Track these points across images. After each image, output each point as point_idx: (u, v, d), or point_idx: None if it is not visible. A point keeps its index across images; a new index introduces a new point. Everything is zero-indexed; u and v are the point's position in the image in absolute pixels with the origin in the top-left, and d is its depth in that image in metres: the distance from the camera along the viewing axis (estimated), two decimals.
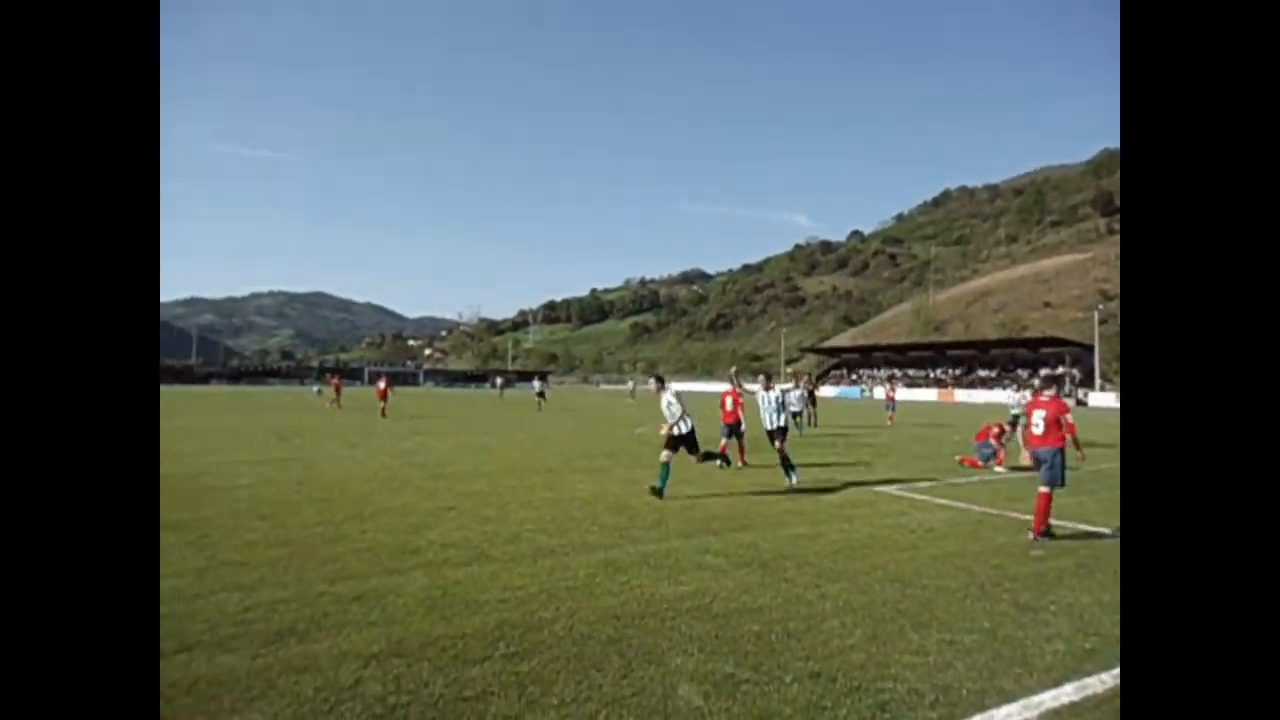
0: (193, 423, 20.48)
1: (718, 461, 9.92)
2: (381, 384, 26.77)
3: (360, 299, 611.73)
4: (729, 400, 11.81)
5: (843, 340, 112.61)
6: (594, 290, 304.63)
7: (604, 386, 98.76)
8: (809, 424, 20.42)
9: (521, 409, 31.51)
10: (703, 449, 9.09)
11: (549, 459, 12.59)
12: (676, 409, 8.82)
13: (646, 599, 4.63)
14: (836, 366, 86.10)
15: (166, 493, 8.44)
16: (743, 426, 11.70)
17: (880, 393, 48.57)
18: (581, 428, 20.84)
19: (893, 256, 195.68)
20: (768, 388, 10.52)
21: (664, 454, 8.69)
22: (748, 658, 3.70)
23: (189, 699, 3.14)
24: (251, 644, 3.77)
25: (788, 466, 9.69)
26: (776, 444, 9.99)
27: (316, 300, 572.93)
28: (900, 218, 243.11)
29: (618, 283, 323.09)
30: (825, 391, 56.68)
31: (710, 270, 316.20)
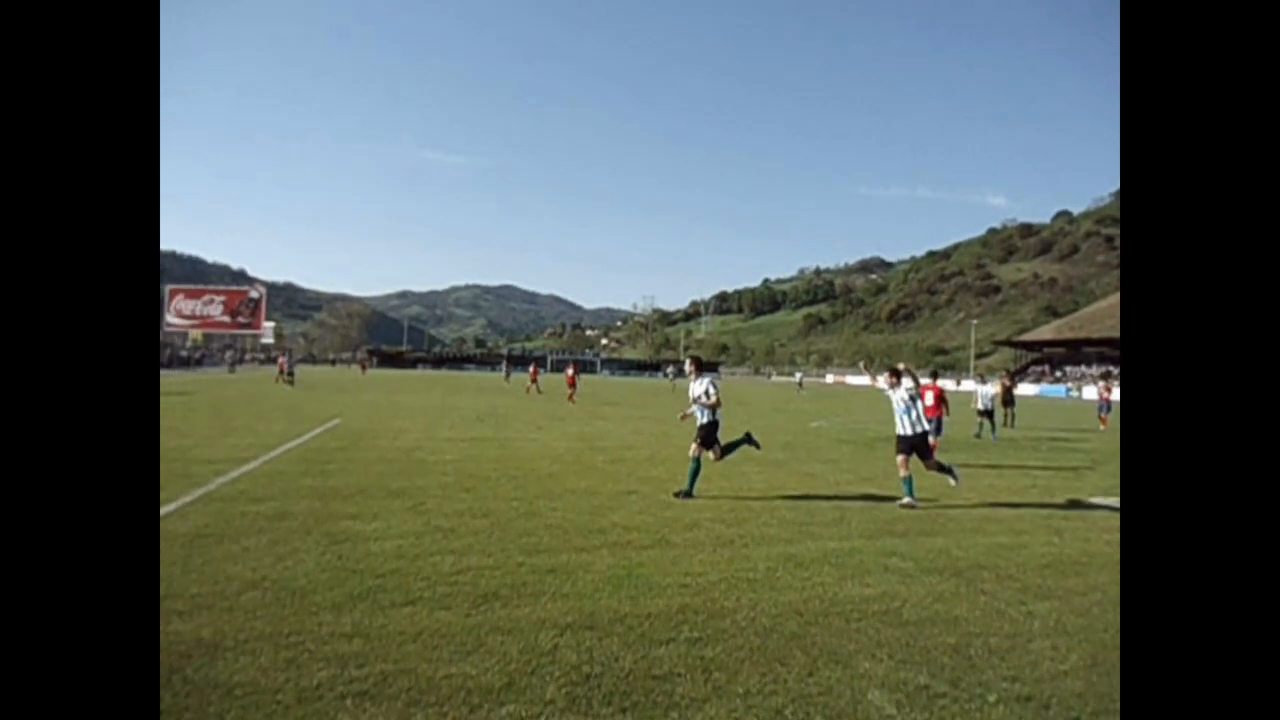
0: (405, 400, 23.08)
1: (745, 447, 8.73)
2: (570, 371, 28.71)
3: (544, 291, 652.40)
4: (930, 395, 11.41)
5: (1045, 333, 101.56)
6: (766, 280, 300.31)
7: (775, 379, 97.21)
8: (1006, 425, 18.68)
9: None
10: (723, 444, 8.32)
11: None
12: (713, 395, 8.11)
13: (830, 597, 4.51)
14: (1037, 362, 77.95)
15: (389, 463, 9.58)
16: (944, 420, 11.76)
17: (1091, 392, 43.26)
18: (754, 420, 20.68)
19: (1109, 239, 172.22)
20: (893, 384, 8.18)
21: (693, 449, 8.07)
22: (944, 670, 3.48)
23: (415, 646, 3.55)
24: (463, 603, 4.18)
25: (944, 468, 8.30)
26: (900, 456, 7.91)
27: (505, 293, 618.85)
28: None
29: (790, 272, 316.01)
30: (1023, 390, 51.53)
31: (890, 258, 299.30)
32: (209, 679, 3.12)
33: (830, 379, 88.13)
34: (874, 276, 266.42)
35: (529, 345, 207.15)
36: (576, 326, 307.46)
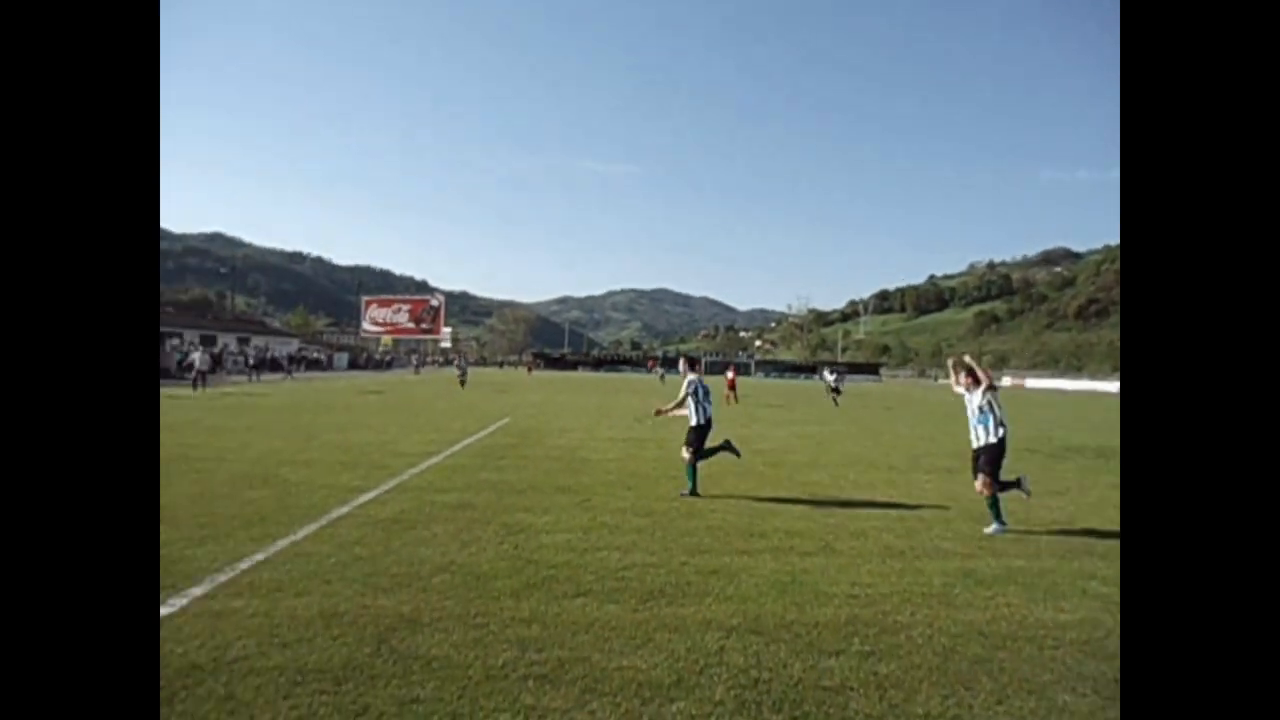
0: (567, 400, 24.21)
1: (722, 454, 8.37)
2: (730, 373, 28.81)
3: (697, 293, 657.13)
4: None
5: None
6: (932, 276, 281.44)
7: (941, 381, 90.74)
8: None
9: (852, 400, 30.57)
10: (707, 446, 8.03)
11: (890, 455, 12.01)
12: (681, 392, 8.04)
13: (1018, 620, 4.14)
14: None
15: (556, 460, 10.08)
16: None
17: None
18: (921, 425, 19.45)
19: None
20: (970, 385, 6.71)
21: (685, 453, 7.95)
22: None
23: (587, 636, 3.71)
24: (630, 599, 4.31)
25: (997, 500, 6.43)
26: (981, 479, 6.45)
27: (659, 296, 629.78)
28: None
29: (959, 267, 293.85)
30: None
31: (1079, 248, 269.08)
32: (411, 650, 3.45)
33: (1008, 381, 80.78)
34: (1059, 269, 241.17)
35: (683, 347, 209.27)
36: (730, 328, 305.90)
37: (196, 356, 25.49)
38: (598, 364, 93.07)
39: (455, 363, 22.23)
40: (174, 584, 4.27)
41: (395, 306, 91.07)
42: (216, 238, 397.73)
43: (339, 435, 12.34)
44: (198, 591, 4.17)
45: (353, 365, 62.55)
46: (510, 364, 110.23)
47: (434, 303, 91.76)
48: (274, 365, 45.58)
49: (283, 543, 5.28)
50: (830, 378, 29.45)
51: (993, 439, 6.48)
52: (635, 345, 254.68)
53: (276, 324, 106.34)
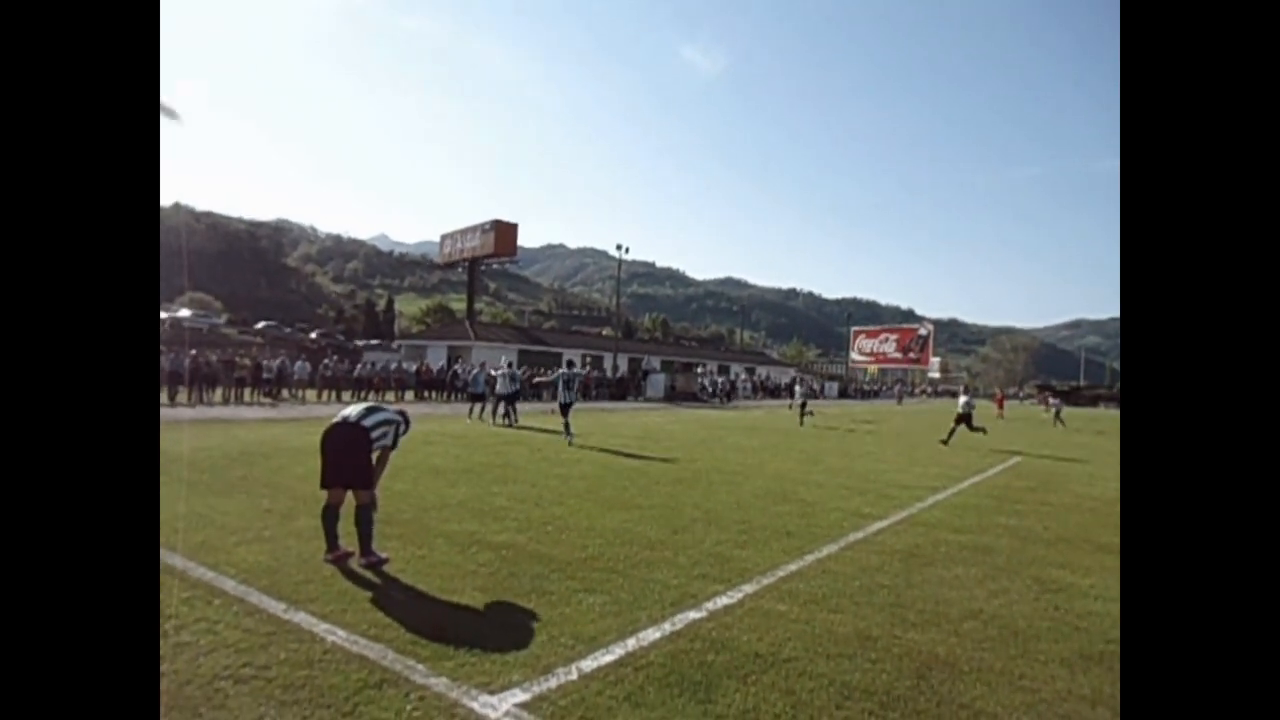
0: (1090, 441, 20.36)
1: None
2: None
3: None
4: None
5: None
6: None
7: None
8: None
9: None
10: None
11: None
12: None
13: None
14: None
15: (1088, 512, 8.58)
16: None
17: None
18: None
19: None
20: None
21: None
22: None
23: None
24: None
25: None
26: None
27: None
28: None
29: None
30: None
31: None
32: (953, 696, 3.32)
33: None
34: None
35: None
36: None
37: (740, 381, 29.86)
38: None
39: (961, 392, 21.02)
40: (728, 579, 5.02)
41: (882, 337, 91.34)
42: (728, 281, 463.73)
43: (842, 461, 12.88)
44: (749, 589, 4.81)
45: (842, 394, 64.91)
46: (1009, 397, 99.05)
47: (922, 332, 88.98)
48: (773, 391, 50.56)
49: (810, 558, 5.72)
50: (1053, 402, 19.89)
51: None
52: None
53: (774, 355, 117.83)
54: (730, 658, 3.64)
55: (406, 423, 5.41)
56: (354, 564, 4.94)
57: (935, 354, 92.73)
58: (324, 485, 5.00)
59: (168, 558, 4.92)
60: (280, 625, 3.81)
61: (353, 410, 5.14)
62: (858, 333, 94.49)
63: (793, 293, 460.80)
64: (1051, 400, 35.49)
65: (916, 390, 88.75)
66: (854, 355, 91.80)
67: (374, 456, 5.11)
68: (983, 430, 19.07)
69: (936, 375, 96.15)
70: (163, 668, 3.23)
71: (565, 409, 14.47)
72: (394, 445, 5.27)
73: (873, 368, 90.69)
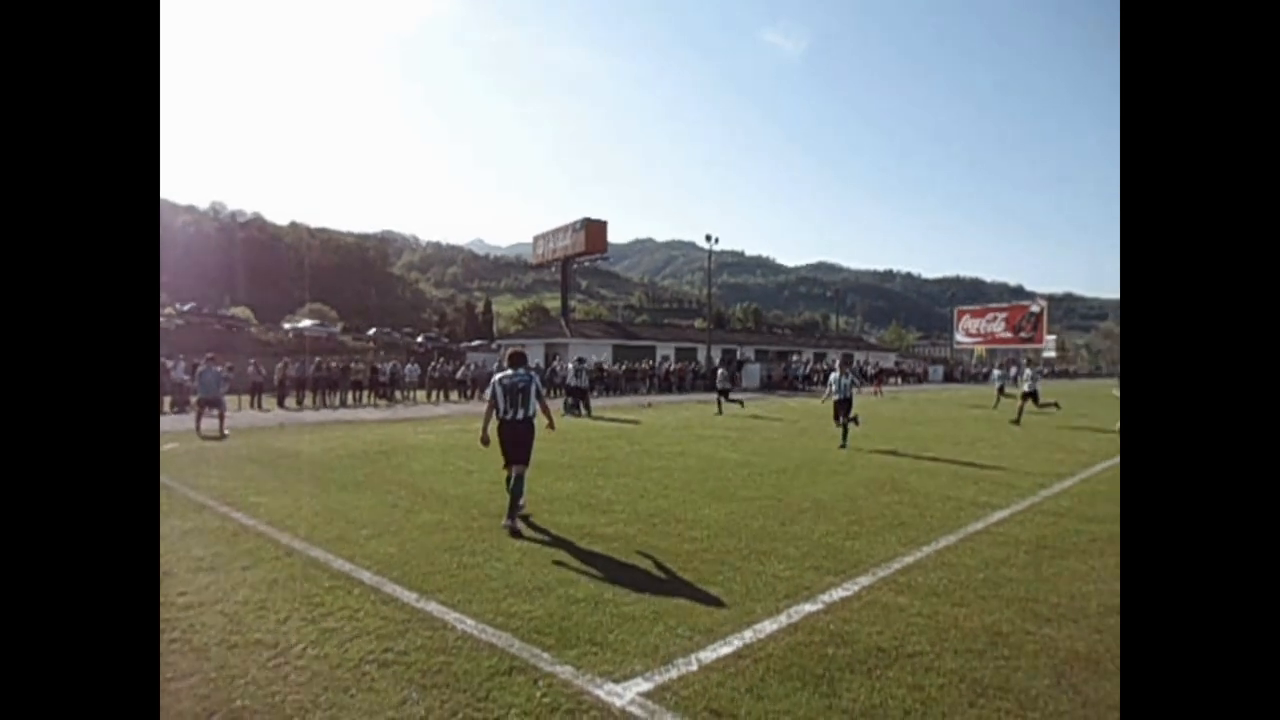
0: None
1: None
2: None
3: None
4: None
5: None
6: None
7: None
8: None
9: None
10: None
11: None
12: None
13: None
14: None
15: None
16: None
17: None
18: None
19: None
20: None
21: None
22: None
23: None
24: None
25: None
26: None
27: None
28: None
29: None
30: None
31: None
32: (1100, 697, 3.12)
33: None
34: None
35: None
36: None
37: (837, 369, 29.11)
38: None
39: (1026, 366, 20.41)
40: (842, 570, 4.92)
41: (990, 316, 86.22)
42: (821, 265, 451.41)
43: (952, 447, 12.31)
44: (865, 581, 4.70)
45: (947, 378, 61.89)
46: None
47: (1034, 309, 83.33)
48: (872, 378, 48.86)
49: (927, 549, 5.52)
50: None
51: None
52: None
53: (873, 340, 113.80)
54: (851, 651, 3.57)
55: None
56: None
57: (1051, 331, 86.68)
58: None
59: (309, 550, 5.33)
60: (414, 614, 4.06)
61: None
62: (962, 312, 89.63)
63: (889, 274, 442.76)
64: None
65: (1041, 370, 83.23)
66: (959, 337, 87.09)
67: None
68: (1055, 405, 19.18)
69: (1052, 354, 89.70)
70: (314, 651, 3.52)
71: (580, 392, 17.68)
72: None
73: (980, 349, 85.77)
